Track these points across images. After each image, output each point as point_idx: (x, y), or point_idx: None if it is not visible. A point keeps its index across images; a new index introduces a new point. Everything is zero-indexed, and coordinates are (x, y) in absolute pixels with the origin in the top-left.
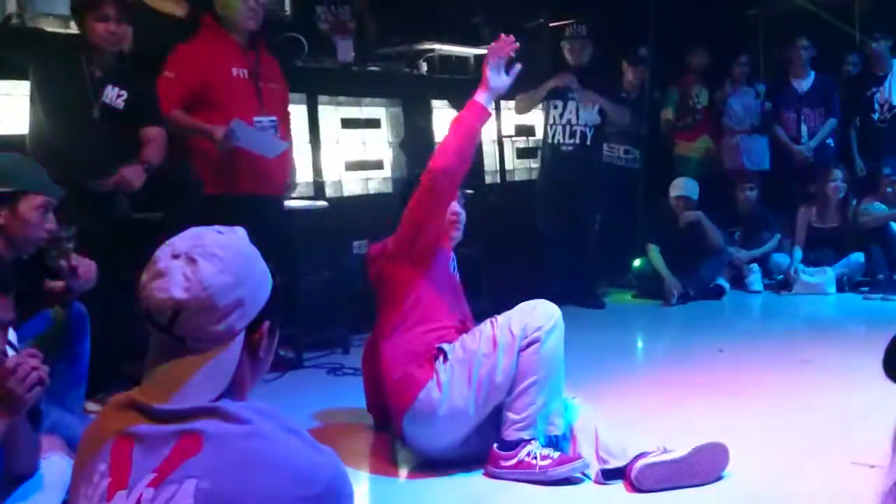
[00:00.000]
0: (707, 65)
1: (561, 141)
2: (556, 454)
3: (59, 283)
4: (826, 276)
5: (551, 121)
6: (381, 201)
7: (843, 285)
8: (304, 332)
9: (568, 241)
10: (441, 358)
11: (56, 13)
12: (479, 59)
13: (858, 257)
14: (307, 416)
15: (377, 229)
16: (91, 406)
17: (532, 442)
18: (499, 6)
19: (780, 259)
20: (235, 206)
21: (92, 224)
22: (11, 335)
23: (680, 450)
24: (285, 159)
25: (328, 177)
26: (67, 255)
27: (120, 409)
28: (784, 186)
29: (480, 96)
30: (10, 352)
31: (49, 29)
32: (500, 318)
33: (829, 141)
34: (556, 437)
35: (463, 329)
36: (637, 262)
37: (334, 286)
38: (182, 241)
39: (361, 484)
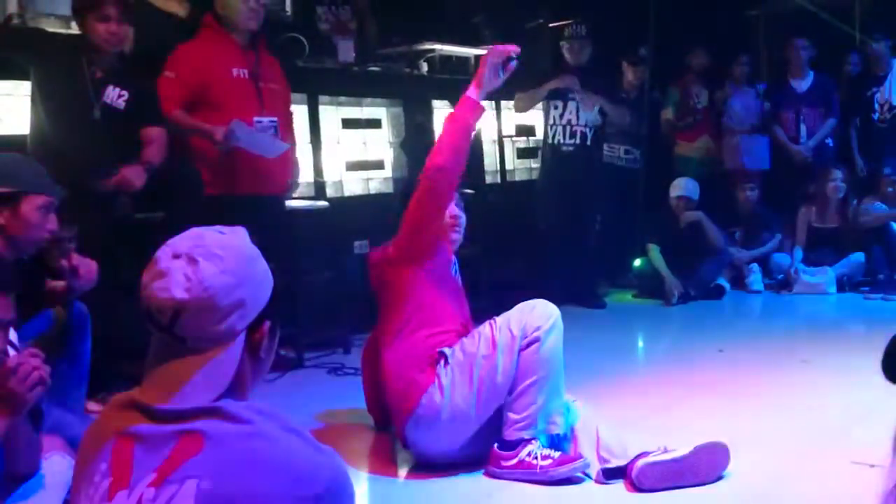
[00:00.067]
0: (707, 65)
1: (561, 141)
2: (557, 454)
3: (60, 283)
4: (826, 276)
5: (551, 121)
6: (381, 201)
7: (843, 285)
8: (305, 332)
9: (568, 241)
10: (442, 362)
11: (57, 13)
12: (480, 60)
13: (859, 257)
14: (308, 416)
15: (378, 229)
16: (92, 406)
17: (533, 441)
18: (499, 6)
19: (781, 259)
20: (236, 206)
21: (93, 224)
22: (12, 335)
23: (680, 449)
24: (287, 159)
25: (329, 177)
26: (68, 255)
27: (121, 408)
28: (784, 186)
29: (473, 92)
30: (12, 351)
31: (50, 29)
32: (499, 319)
33: (829, 141)
34: (556, 436)
35: (465, 333)
36: (637, 262)
37: (335, 286)
38: (183, 241)
39: (362, 484)
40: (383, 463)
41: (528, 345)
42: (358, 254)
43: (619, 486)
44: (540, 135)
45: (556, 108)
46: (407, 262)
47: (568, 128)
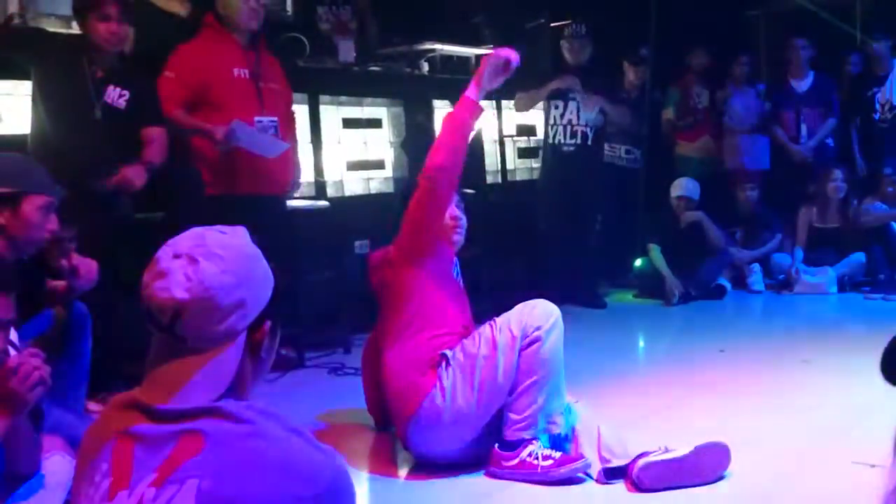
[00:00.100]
0: (708, 65)
1: (562, 141)
2: (558, 454)
3: (60, 283)
4: (827, 276)
5: (552, 121)
6: (382, 201)
7: (844, 285)
8: (306, 332)
9: (569, 241)
10: (444, 364)
11: (58, 13)
12: (480, 60)
13: (860, 257)
14: (308, 416)
15: (379, 229)
16: (92, 406)
17: (534, 442)
18: (499, 6)
19: (782, 259)
20: (237, 206)
21: (93, 224)
22: (13, 335)
23: (681, 449)
24: (287, 159)
25: (329, 176)
26: (68, 255)
27: (121, 408)
28: (784, 186)
29: (472, 92)
30: (12, 351)
31: (51, 29)
32: (500, 320)
33: (829, 141)
34: (557, 436)
35: (466, 335)
36: (638, 262)
37: (336, 286)
38: (183, 241)
39: (362, 484)
40: (384, 463)
41: (529, 345)
42: (358, 254)
43: (619, 486)
44: (541, 134)
45: (556, 107)
46: (408, 263)
47: (569, 128)
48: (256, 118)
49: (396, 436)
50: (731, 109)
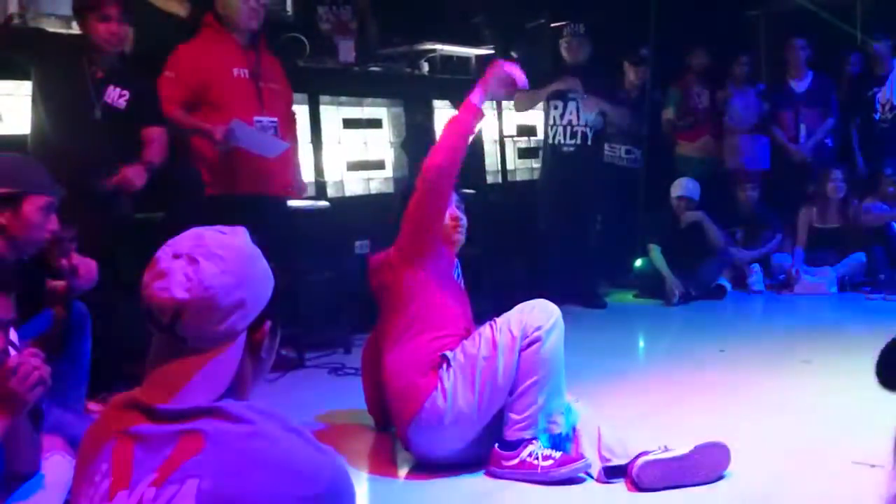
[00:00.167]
0: (708, 65)
1: (562, 141)
2: (559, 454)
3: (60, 283)
4: (827, 277)
5: (552, 121)
6: (382, 201)
7: (844, 285)
8: (306, 332)
9: (569, 241)
10: (444, 366)
11: (58, 13)
12: (481, 60)
13: (860, 257)
14: (308, 416)
15: (379, 229)
16: (92, 406)
17: (534, 442)
18: (499, 6)
19: (782, 259)
20: (237, 206)
21: (93, 224)
22: (13, 335)
23: (681, 448)
24: (287, 160)
25: (330, 177)
26: (69, 255)
27: (121, 408)
28: (784, 186)
29: (476, 97)
30: (12, 351)
31: (51, 29)
32: (500, 320)
33: (828, 141)
34: (557, 436)
35: (467, 336)
36: (638, 262)
37: (336, 286)
38: (183, 241)
39: (362, 484)
40: (384, 463)
41: (529, 345)
42: (359, 254)
43: (619, 485)
44: (541, 135)
45: (556, 108)
46: (408, 264)
47: (568, 128)
48: (256, 118)
49: (397, 436)
50: (731, 109)
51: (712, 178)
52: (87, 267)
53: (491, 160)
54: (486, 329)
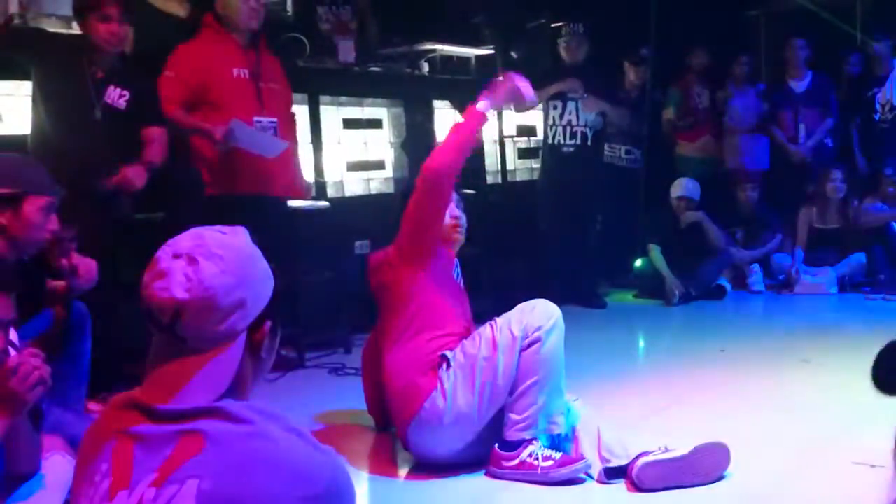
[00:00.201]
0: (708, 65)
1: (561, 142)
2: (559, 455)
3: (60, 283)
4: (828, 277)
5: (551, 121)
6: (382, 201)
7: (844, 285)
8: (306, 332)
9: (569, 241)
10: (444, 365)
11: (58, 14)
12: (480, 60)
13: (860, 257)
14: (308, 416)
15: (379, 229)
16: (92, 406)
17: (534, 442)
18: (499, 6)
19: (782, 259)
20: (237, 206)
21: (93, 224)
22: (13, 335)
23: (681, 449)
24: (287, 160)
25: (330, 177)
26: (69, 255)
27: (121, 409)
28: (784, 186)
29: (482, 105)
30: (12, 351)
31: (51, 29)
32: (500, 320)
33: (827, 141)
34: (557, 436)
35: (467, 336)
36: (638, 262)
37: (336, 286)
38: (183, 241)
39: (362, 484)
40: (384, 463)
41: (529, 345)
42: (359, 254)
43: (619, 486)
44: (541, 135)
45: (555, 108)
46: (408, 264)
47: (568, 128)
48: (256, 118)
49: (397, 436)
50: (731, 109)
51: (712, 178)
52: (87, 267)
53: (491, 160)
54: (486, 329)
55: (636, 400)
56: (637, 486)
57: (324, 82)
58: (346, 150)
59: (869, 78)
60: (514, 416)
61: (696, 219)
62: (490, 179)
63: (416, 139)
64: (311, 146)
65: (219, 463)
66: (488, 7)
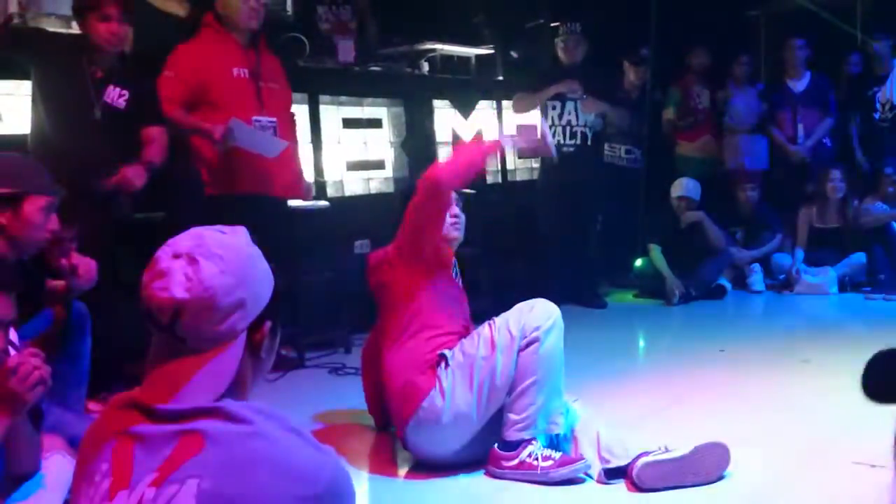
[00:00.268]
0: (708, 65)
1: (561, 142)
2: (558, 455)
3: (60, 283)
4: (828, 277)
5: (550, 122)
6: (382, 201)
7: (844, 285)
8: (306, 332)
9: (569, 241)
10: (443, 365)
11: (58, 13)
12: (481, 59)
13: (860, 257)
14: (308, 416)
15: (379, 229)
16: (92, 406)
17: (533, 442)
18: (499, 6)
19: (782, 259)
20: (237, 206)
21: (93, 224)
22: (13, 335)
23: (681, 449)
24: (288, 159)
25: (329, 177)
26: (68, 255)
27: (121, 408)
28: (784, 186)
29: (505, 141)
30: (12, 351)
31: (51, 29)
32: (498, 320)
33: (826, 141)
34: (557, 436)
35: (466, 335)
36: (639, 262)
37: (336, 286)
38: (183, 240)
39: (362, 484)
40: (383, 463)
41: (528, 345)
42: (358, 253)
43: (619, 486)
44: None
45: (554, 108)
46: (407, 264)
47: (568, 128)
48: (255, 118)
49: (396, 436)
50: (731, 109)
51: (712, 178)
52: (87, 267)
53: (491, 160)
54: (484, 329)
55: (636, 400)
56: (637, 486)
57: (324, 82)
58: (345, 149)
59: (869, 77)
60: (513, 416)
61: (696, 219)
62: (490, 179)
63: (416, 139)
64: (310, 146)
65: (219, 463)
66: (488, 7)
